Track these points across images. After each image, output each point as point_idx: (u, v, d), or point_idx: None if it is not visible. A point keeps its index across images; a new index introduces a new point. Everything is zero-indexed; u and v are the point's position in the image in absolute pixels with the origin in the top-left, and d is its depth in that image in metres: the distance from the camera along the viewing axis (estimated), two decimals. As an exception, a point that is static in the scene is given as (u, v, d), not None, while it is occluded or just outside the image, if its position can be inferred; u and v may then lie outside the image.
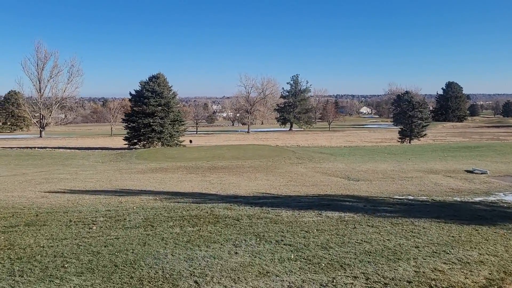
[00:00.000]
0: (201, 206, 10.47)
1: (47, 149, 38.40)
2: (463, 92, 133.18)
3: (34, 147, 39.70)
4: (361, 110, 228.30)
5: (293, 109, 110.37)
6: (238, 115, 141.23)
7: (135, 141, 38.02)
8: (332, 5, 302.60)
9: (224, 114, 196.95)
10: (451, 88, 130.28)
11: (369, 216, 9.29)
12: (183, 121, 39.82)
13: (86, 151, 36.72)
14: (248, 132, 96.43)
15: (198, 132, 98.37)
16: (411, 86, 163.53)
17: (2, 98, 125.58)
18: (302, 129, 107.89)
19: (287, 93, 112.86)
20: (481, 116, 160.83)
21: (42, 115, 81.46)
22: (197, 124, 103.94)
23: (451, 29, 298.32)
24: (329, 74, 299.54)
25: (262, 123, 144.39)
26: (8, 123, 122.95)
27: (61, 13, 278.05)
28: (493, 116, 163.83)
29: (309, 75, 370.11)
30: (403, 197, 13.11)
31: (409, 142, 47.27)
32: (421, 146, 35.44)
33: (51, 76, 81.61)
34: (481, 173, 20.11)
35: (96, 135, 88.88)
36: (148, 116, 36.43)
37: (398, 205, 11.08)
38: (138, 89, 38.03)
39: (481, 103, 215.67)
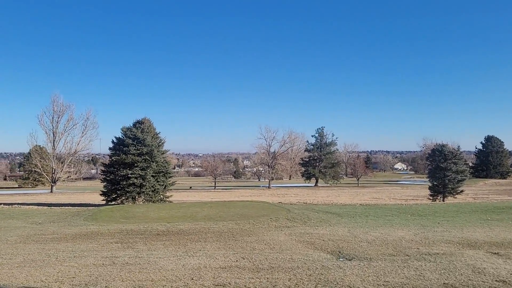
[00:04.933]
0: None
1: (14, 206, 33.82)
2: (505, 147, 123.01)
3: (6, 203, 35.35)
4: (396, 166, 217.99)
5: (318, 163, 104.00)
6: (262, 170, 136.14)
7: (114, 196, 32.99)
8: (360, 58, 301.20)
9: (255, 170, 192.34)
10: (491, 143, 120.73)
11: None
12: (170, 173, 34.53)
13: (54, 208, 31.83)
14: (269, 187, 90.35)
15: (216, 188, 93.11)
16: (447, 140, 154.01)
17: (27, 153, 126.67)
18: (328, 185, 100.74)
19: (311, 147, 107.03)
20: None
21: (54, 169, 79.01)
22: (215, 179, 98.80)
23: (487, 83, 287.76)
24: (362, 130, 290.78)
25: (290, 178, 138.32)
26: (31, 178, 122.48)
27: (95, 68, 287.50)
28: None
29: (340, 131, 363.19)
30: (410, 306, 6.88)
31: (443, 200, 39.79)
32: (457, 206, 28.32)
33: (65, 129, 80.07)
34: (547, 249, 13.35)
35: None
36: (127, 167, 31.52)
37: None
38: (120, 136, 33.63)
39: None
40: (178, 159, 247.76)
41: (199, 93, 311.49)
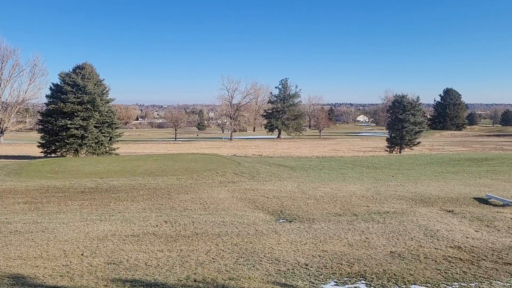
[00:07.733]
0: None
1: None
2: (462, 100, 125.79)
3: None
4: (358, 118, 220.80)
5: (281, 115, 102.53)
6: (226, 122, 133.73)
7: (53, 148, 30.20)
8: (327, 11, 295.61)
9: (219, 122, 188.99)
10: (449, 95, 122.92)
11: None
12: (115, 124, 31.71)
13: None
14: (230, 139, 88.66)
15: (177, 139, 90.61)
16: (408, 92, 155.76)
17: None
18: (291, 137, 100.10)
19: (275, 98, 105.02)
20: (480, 125, 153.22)
21: (0, 118, 73.54)
22: (176, 130, 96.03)
23: (448, 36, 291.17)
24: (327, 82, 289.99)
25: (254, 130, 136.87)
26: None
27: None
28: (492, 125, 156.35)
29: (305, 83, 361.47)
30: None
31: (399, 152, 39.45)
32: (413, 157, 27.71)
33: (11, 76, 73.72)
34: (504, 205, 12.45)
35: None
36: (67, 117, 28.60)
37: None
38: (58, 82, 30.27)
39: (479, 112, 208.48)
40: (141, 110, 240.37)
41: (168, 40, 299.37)
